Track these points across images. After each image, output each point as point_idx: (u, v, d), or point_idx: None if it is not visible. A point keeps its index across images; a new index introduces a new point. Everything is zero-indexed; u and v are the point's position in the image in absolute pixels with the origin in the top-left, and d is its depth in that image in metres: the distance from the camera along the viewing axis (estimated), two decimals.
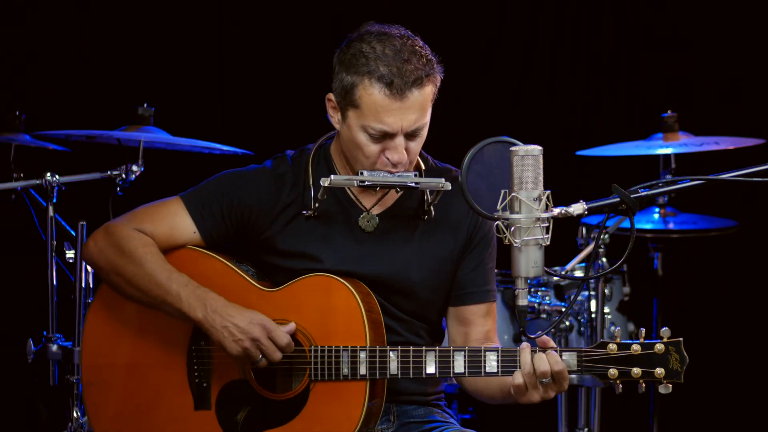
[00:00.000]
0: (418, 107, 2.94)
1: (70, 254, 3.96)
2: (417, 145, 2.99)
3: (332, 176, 2.96)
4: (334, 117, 3.03)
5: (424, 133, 3.00)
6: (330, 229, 3.07)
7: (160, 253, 3.04)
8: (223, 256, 3.09)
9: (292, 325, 2.97)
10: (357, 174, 2.97)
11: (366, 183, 2.95)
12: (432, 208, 3.07)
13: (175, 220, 3.08)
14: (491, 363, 2.87)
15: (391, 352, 2.93)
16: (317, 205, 3.04)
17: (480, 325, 3.12)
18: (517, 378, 2.80)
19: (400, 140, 2.94)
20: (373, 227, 3.07)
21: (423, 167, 3.12)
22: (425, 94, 2.95)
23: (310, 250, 3.05)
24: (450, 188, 2.96)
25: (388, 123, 2.92)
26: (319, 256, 3.04)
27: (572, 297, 4.44)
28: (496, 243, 3.13)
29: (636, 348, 2.75)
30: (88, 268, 3.96)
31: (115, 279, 3.06)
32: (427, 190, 3.05)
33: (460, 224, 3.09)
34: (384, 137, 2.94)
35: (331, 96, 3.02)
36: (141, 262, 3.01)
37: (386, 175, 2.96)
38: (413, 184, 2.96)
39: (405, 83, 2.90)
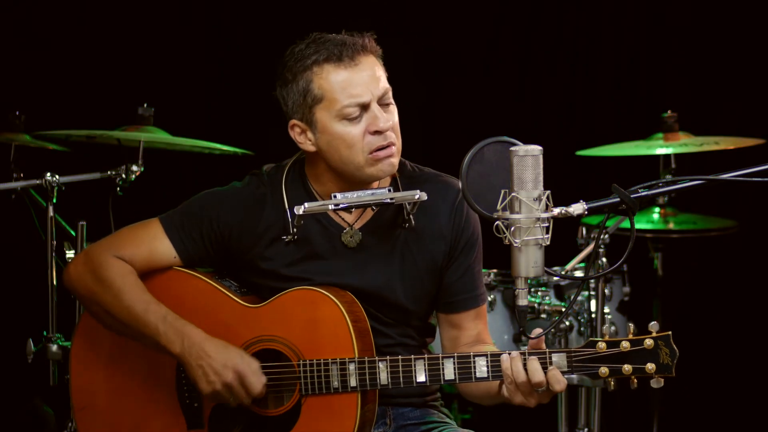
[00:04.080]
0: (375, 71, 2.94)
1: (70, 254, 3.96)
2: (394, 116, 2.97)
3: (306, 204, 2.91)
4: (305, 142, 2.99)
5: (395, 107, 2.98)
6: (312, 250, 3.03)
7: (139, 283, 3.01)
8: (205, 274, 3.06)
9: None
10: (334, 193, 2.92)
11: (340, 206, 2.91)
12: (411, 217, 3.03)
13: (154, 243, 3.04)
14: (481, 368, 2.85)
15: (380, 363, 2.90)
16: (295, 230, 3.00)
17: (470, 328, 3.10)
18: (503, 389, 2.81)
19: (376, 108, 2.93)
20: (357, 242, 3.03)
21: (397, 176, 3.09)
22: (374, 60, 2.96)
23: (293, 273, 3.02)
24: (426, 198, 2.92)
25: (358, 92, 2.91)
26: (305, 278, 3.01)
27: (572, 297, 4.43)
28: (482, 245, 3.11)
29: (625, 345, 2.75)
30: None
31: (94, 308, 3.05)
32: (406, 202, 3.00)
33: (443, 231, 3.06)
34: (361, 113, 2.92)
35: (293, 120, 2.99)
36: (119, 293, 2.98)
37: (360, 194, 2.91)
38: (389, 200, 2.92)
39: (350, 50, 2.92)
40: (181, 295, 3.02)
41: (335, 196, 2.91)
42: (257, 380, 2.93)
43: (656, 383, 2.73)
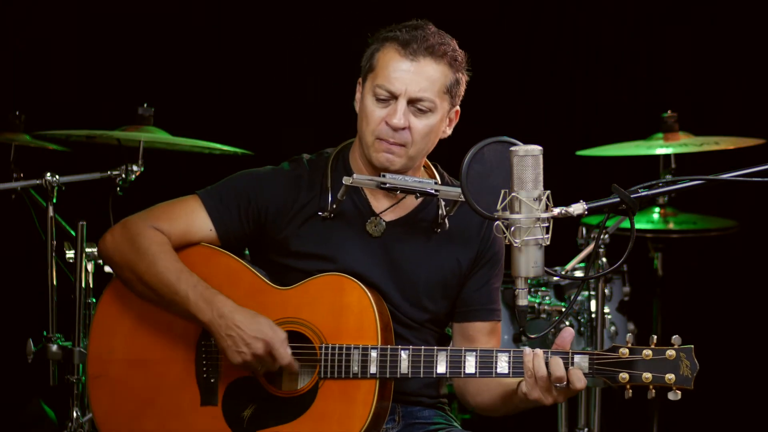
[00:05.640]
0: (428, 77, 2.98)
1: (70, 254, 3.96)
2: (421, 125, 3.00)
3: (355, 175, 2.97)
4: (356, 100, 3.09)
5: (432, 120, 3.01)
6: (342, 231, 3.07)
7: (173, 252, 3.05)
8: (236, 255, 3.09)
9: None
10: (383, 173, 2.98)
11: (387, 185, 2.96)
12: (447, 220, 3.07)
13: (191, 217, 3.09)
14: (502, 364, 2.87)
15: (402, 352, 2.92)
16: (334, 206, 3.04)
17: (482, 343, 3.12)
18: (521, 386, 2.83)
19: (401, 104, 2.97)
20: (380, 232, 3.07)
21: (439, 181, 3.12)
22: (440, 70, 3.00)
23: (322, 252, 3.05)
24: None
25: (394, 81, 2.96)
26: (332, 257, 3.04)
27: (572, 297, 4.44)
28: (504, 264, 3.13)
29: (647, 353, 2.76)
30: (89, 267, 3.96)
31: (128, 275, 3.08)
32: (443, 204, 3.05)
33: (471, 240, 3.10)
34: (389, 100, 2.98)
35: (360, 78, 3.08)
36: (153, 261, 3.02)
37: (407, 179, 2.96)
38: (433, 191, 2.97)
39: (419, 46, 2.98)
40: (210, 271, 3.04)
41: (384, 176, 2.96)
42: (285, 353, 2.94)
43: (673, 395, 2.74)
